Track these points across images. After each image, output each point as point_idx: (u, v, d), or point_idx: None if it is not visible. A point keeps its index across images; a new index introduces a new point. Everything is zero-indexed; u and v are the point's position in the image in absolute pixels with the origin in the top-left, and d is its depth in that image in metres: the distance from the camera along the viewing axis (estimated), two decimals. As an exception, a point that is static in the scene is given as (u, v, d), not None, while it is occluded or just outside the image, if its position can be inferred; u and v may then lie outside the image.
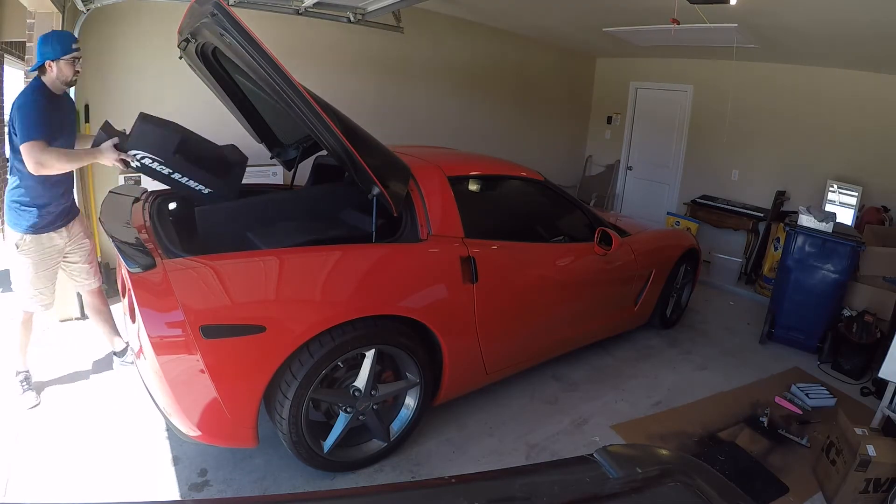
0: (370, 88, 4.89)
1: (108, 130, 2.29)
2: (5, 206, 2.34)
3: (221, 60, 2.37)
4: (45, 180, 2.32)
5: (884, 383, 2.62)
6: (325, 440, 2.12)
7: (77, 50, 2.35)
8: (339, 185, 2.81)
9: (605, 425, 2.73)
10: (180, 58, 2.43)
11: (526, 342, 2.84)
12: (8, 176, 2.37)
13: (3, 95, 5.16)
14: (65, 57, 2.30)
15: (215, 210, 2.39)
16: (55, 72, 2.31)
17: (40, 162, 2.16)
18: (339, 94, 4.56)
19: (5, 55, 5.10)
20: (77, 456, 2.20)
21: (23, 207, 2.35)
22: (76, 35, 3.27)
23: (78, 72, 2.38)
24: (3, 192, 5.27)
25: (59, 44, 2.30)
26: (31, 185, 2.32)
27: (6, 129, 2.29)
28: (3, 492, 1.97)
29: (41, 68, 2.31)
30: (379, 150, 2.26)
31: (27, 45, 3.16)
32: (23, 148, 2.16)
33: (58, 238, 2.49)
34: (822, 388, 3.25)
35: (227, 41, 1.77)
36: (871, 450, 2.17)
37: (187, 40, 2.20)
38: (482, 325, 2.45)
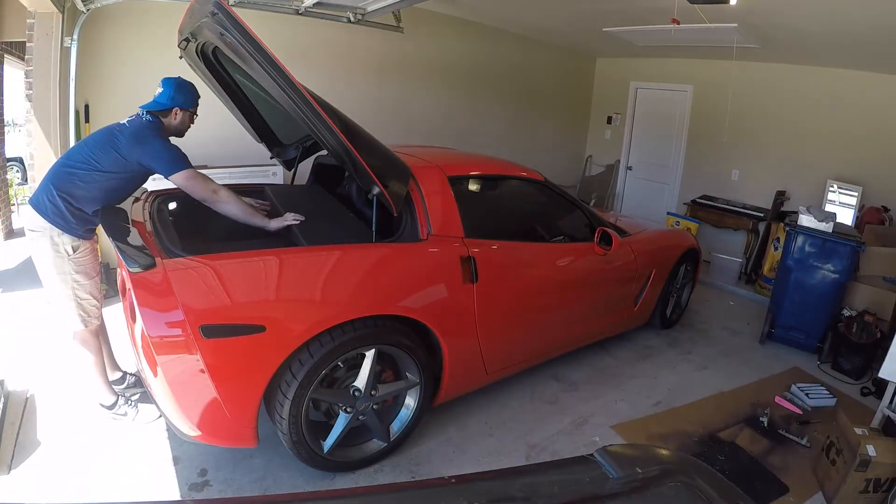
0: (370, 88, 4.90)
1: None
2: (52, 200, 2.15)
3: (221, 60, 2.37)
4: (109, 194, 2.23)
5: (884, 383, 2.61)
6: (325, 440, 2.12)
7: (198, 105, 2.39)
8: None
9: (605, 425, 2.73)
10: (180, 57, 2.42)
11: (526, 342, 2.84)
12: (71, 173, 2.18)
13: (3, 95, 5.16)
14: (191, 109, 2.34)
15: None
16: (178, 120, 2.30)
17: (217, 192, 2.18)
18: (338, 94, 4.56)
19: (5, 55, 5.10)
20: (77, 456, 2.20)
21: (75, 211, 2.20)
22: (75, 36, 3.29)
23: (190, 126, 2.40)
24: (6, 193, 5.30)
25: (191, 95, 2.32)
26: (95, 194, 2.20)
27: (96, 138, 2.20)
28: (3, 492, 1.97)
29: (165, 111, 2.27)
30: (379, 150, 2.26)
31: (27, 45, 3.16)
32: (183, 177, 2.14)
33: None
34: (822, 388, 3.25)
35: (228, 40, 1.77)
36: (871, 450, 2.17)
37: (187, 40, 2.20)
38: (482, 325, 2.45)
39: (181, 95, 2.28)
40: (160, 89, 2.28)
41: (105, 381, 2.45)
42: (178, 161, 2.16)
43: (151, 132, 2.20)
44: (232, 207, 2.24)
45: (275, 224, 2.29)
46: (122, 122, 2.24)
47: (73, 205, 2.17)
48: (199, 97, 2.37)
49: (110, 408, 2.43)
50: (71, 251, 2.22)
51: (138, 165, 2.18)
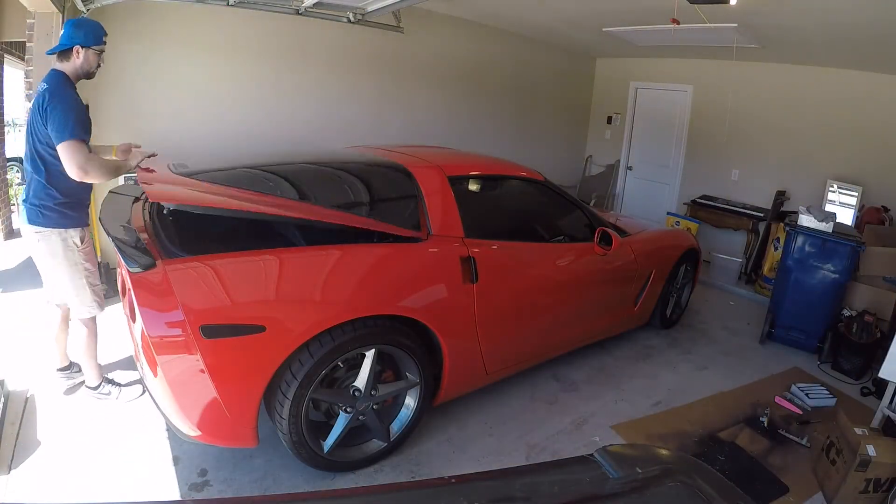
0: (370, 88, 4.89)
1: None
2: (42, 209, 2.24)
3: None
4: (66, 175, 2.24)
5: (884, 383, 2.62)
6: (325, 440, 2.12)
7: (105, 44, 2.29)
8: None
9: (605, 425, 2.73)
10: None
11: (526, 342, 2.84)
12: (32, 175, 2.24)
13: (3, 95, 5.16)
14: (95, 47, 2.24)
15: None
16: (81, 59, 2.21)
17: (84, 168, 2.09)
18: (338, 95, 4.58)
19: (5, 55, 5.10)
20: (77, 456, 2.20)
21: (68, 204, 2.28)
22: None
23: (100, 66, 2.31)
24: (5, 193, 5.30)
25: (93, 32, 2.22)
26: (67, 181, 2.23)
27: (27, 123, 2.21)
28: (3, 492, 1.97)
29: (66, 53, 2.20)
30: (370, 194, 2.31)
31: (27, 45, 3.16)
32: (64, 148, 2.05)
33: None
34: (822, 388, 3.25)
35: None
36: (871, 450, 2.17)
37: None
38: (482, 325, 2.45)
39: (80, 32, 2.20)
40: (62, 31, 2.23)
41: (96, 364, 2.54)
42: (64, 129, 2.08)
43: (61, 86, 2.15)
44: (100, 178, 2.18)
45: (131, 162, 2.28)
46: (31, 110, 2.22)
47: (66, 201, 2.28)
48: (102, 35, 2.27)
49: (95, 388, 2.54)
50: (80, 242, 2.35)
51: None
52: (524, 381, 3.03)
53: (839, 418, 2.46)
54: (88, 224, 2.42)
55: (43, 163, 2.21)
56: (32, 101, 2.23)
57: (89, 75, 2.31)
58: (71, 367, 2.65)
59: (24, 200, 2.30)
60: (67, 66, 2.23)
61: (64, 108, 2.09)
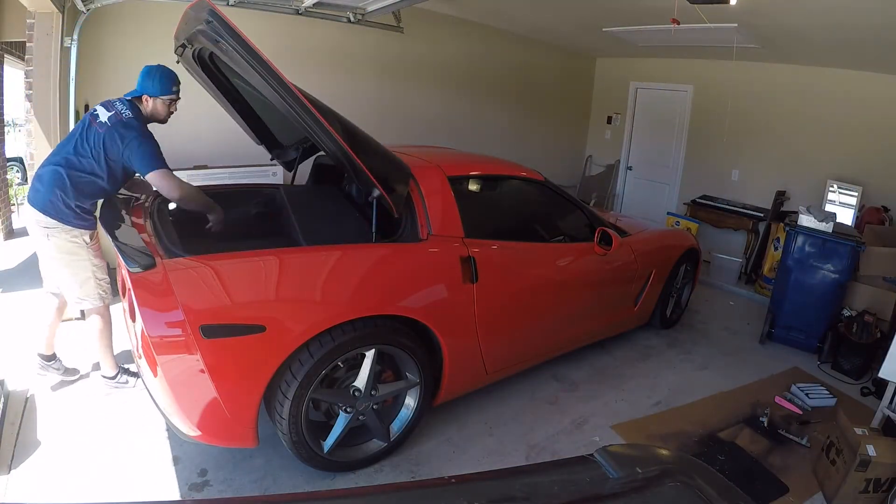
0: (370, 88, 4.90)
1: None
2: (63, 205, 2.32)
3: (219, 65, 2.37)
4: (103, 187, 2.39)
5: (884, 383, 2.62)
6: (325, 440, 2.12)
7: (176, 93, 2.45)
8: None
9: (605, 425, 2.73)
10: (178, 62, 2.43)
11: (526, 342, 2.84)
12: (64, 172, 2.31)
13: (2, 95, 5.16)
14: (162, 97, 2.41)
15: None
16: (150, 107, 2.41)
17: (182, 189, 2.33)
18: (338, 94, 4.57)
19: (5, 55, 5.10)
20: (77, 456, 2.20)
21: (87, 210, 2.41)
22: (75, 36, 3.28)
23: (172, 112, 2.48)
24: (6, 193, 5.30)
25: (160, 82, 2.39)
26: (94, 190, 2.37)
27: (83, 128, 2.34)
28: (3, 492, 1.97)
29: (138, 98, 2.41)
30: (378, 152, 2.26)
31: (27, 45, 3.16)
32: (156, 177, 2.28)
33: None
34: (822, 388, 3.25)
35: (223, 47, 1.77)
36: (871, 450, 2.17)
37: (184, 45, 2.20)
38: (482, 325, 2.45)
39: (148, 82, 2.38)
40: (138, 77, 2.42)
41: (111, 355, 2.64)
42: (153, 161, 2.29)
43: (140, 122, 2.35)
44: (194, 205, 2.42)
45: (211, 226, 2.51)
46: (100, 119, 2.32)
47: (84, 209, 2.38)
48: (173, 85, 2.43)
49: (113, 378, 2.65)
50: (89, 239, 2.45)
51: (125, 163, 2.33)
52: (524, 381, 3.03)
53: (839, 418, 2.46)
54: (96, 227, 2.50)
55: (80, 171, 2.31)
56: (109, 115, 2.31)
57: (159, 120, 2.48)
58: (52, 360, 2.67)
59: (36, 190, 2.32)
60: (140, 107, 2.41)
61: (146, 142, 2.30)
